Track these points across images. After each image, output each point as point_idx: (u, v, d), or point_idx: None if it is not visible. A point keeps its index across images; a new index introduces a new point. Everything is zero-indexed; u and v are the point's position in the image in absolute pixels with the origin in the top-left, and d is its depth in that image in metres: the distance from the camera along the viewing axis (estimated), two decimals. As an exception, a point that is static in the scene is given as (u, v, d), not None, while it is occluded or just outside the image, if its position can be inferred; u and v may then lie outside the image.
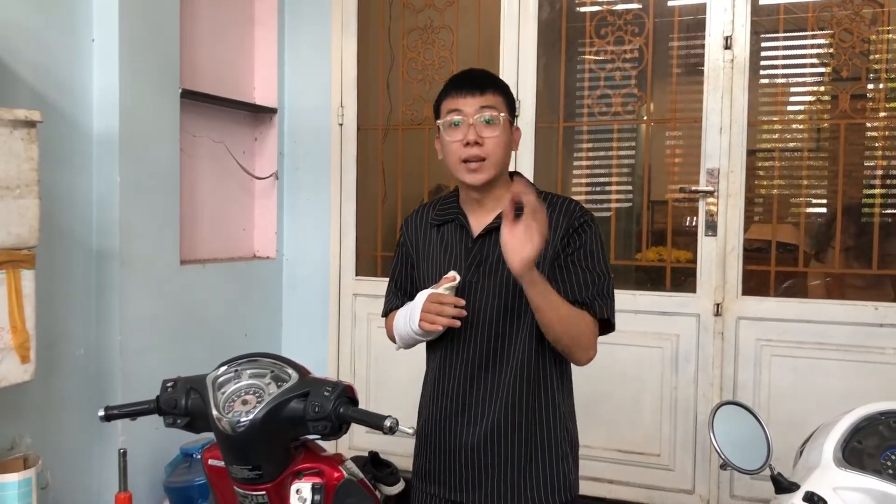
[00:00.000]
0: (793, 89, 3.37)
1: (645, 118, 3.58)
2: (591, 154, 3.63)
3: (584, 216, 1.83)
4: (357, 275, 3.84)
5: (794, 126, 3.45)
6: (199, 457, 3.03)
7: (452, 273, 1.82)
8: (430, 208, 1.99)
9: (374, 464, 3.58)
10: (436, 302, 1.78)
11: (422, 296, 1.82)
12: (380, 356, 3.77)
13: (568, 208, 1.85)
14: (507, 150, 1.83)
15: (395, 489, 3.54)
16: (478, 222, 1.86)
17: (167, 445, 3.03)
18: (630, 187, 3.84)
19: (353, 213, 3.83)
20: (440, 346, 1.90)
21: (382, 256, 3.95)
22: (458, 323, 1.76)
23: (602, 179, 3.68)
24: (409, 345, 1.95)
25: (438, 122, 1.84)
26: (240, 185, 3.75)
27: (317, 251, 3.88)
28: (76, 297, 2.76)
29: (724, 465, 1.75)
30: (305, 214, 3.89)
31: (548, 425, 1.84)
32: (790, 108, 3.42)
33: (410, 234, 1.99)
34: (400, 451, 3.61)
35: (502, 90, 1.84)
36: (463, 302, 1.78)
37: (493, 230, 1.80)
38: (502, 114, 1.80)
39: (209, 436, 1.93)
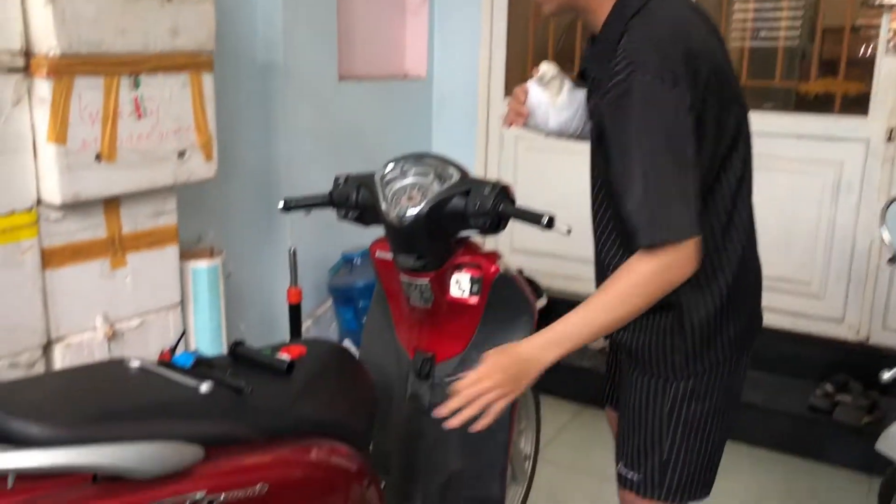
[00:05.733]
0: None
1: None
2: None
3: (623, 84, 1.32)
4: (506, 95, 3.82)
5: None
6: (358, 262, 3.26)
7: (542, 64, 1.73)
8: None
9: (519, 279, 3.71)
10: (512, 96, 1.73)
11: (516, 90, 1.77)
12: (527, 179, 3.81)
13: (614, 68, 1.35)
14: None
15: (539, 304, 3.70)
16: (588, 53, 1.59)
17: (329, 251, 3.26)
18: (799, 13, 3.54)
19: (504, 30, 3.77)
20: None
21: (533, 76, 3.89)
22: (518, 121, 1.71)
23: (768, 4, 3.41)
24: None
25: None
26: (392, 2, 3.75)
27: (466, 70, 3.88)
28: (244, 108, 2.92)
29: (894, 259, 1.73)
30: (455, 32, 3.86)
31: (671, 315, 1.54)
32: None
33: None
34: (544, 269, 3.74)
35: None
36: (522, 98, 1.71)
37: (585, 70, 1.62)
38: None
39: (366, 243, 2.07)
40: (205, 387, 1.23)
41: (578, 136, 1.84)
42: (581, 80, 1.76)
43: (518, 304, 1.93)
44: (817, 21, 3.28)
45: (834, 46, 3.26)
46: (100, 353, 2.08)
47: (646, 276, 1.35)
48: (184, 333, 1.50)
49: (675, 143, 1.31)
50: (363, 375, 1.65)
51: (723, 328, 1.55)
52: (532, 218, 1.70)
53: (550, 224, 1.66)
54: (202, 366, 1.33)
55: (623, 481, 1.71)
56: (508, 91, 3.82)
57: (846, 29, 3.16)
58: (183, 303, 2.35)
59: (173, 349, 1.40)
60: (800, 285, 3.25)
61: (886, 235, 1.70)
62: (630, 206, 1.32)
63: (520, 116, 1.73)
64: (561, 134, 1.82)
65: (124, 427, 1.09)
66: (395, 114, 3.71)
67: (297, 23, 2.99)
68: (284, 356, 1.46)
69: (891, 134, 2.98)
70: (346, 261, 3.26)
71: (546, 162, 3.69)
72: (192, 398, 1.22)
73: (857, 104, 3.10)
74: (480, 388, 1.37)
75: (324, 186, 1.97)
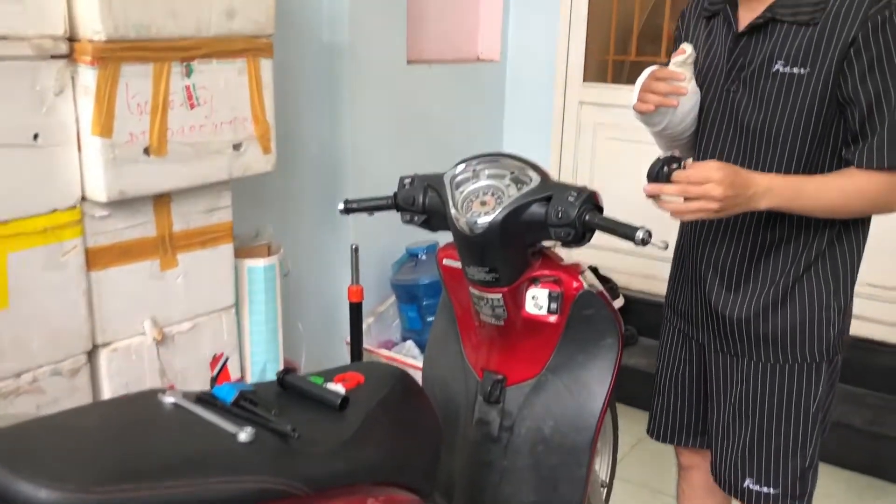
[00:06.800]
0: None
1: None
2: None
3: (886, 9, 1.33)
4: (585, 80, 3.58)
5: None
6: (424, 257, 3.08)
7: (684, 45, 1.53)
8: None
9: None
10: (652, 78, 1.51)
11: (646, 72, 1.56)
12: (604, 168, 3.58)
13: None
14: None
15: (615, 305, 3.47)
16: (747, 14, 1.49)
17: (394, 245, 3.09)
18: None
19: (585, 10, 3.51)
20: (698, 155, 1.64)
21: (614, 61, 3.64)
22: (674, 102, 1.48)
23: None
24: (663, 141, 1.70)
25: None
26: (465, -20, 3.53)
27: (543, 54, 3.63)
28: (307, 93, 2.76)
29: None
30: (532, 12, 3.62)
31: (828, 270, 1.52)
32: None
33: (684, 27, 1.68)
34: (621, 267, 3.50)
35: None
36: (682, 76, 1.49)
37: (762, 27, 1.44)
38: None
39: (436, 237, 1.89)
40: (244, 435, 1.06)
41: (677, 140, 1.65)
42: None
43: (603, 324, 1.72)
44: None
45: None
46: (148, 359, 1.96)
47: (885, 187, 1.38)
48: (226, 361, 1.35)
49: None
50: (427, 408, 1.46)
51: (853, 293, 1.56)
52: (624, 232, 1.48)
53: (646, 240, 1.45)
54: (245, 400, 1.17)
55: (752, 499, 1.57)
56: (588, 75, 3.57)
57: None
58: (238, 303, 2.21)
59: (214, 379, 1.24)
60: (902, 294, 2.95)
61: None
62: (887, 123, 1.34)
63: (676, 96, 1.50)
64: (677, 125, 1.59)
65: (148, 491, 0.92)
66: (466, 99, 3.50)
67: (364, 2, 2.80)
68: (338, 387, 1.29)
69: None
70: (411, 256, 3.09)
71: (627, 151, 3.44)
72: (230, 448, 1.05)
73: None
74: (704, 191, 1.30)
75: (391, 176, 1.80)
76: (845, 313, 1.55)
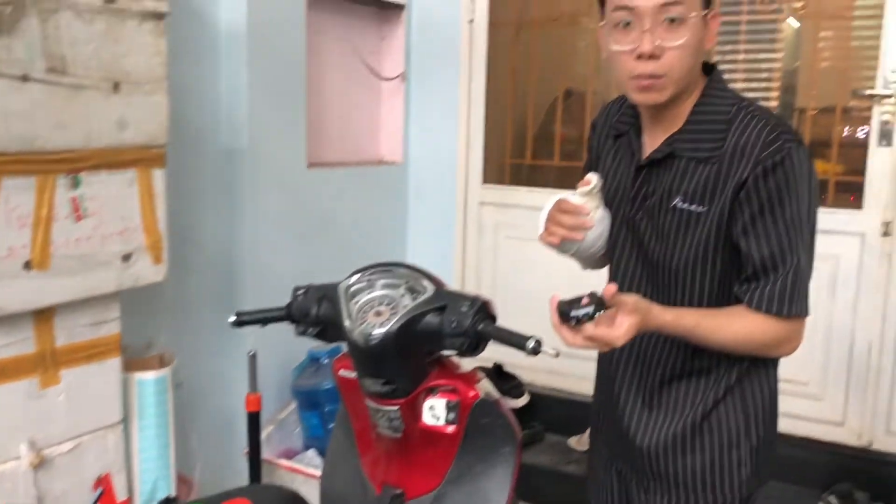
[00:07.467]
0: None
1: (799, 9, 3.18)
2: (734, 57, 3.27)
3: (778, 153, 1.32)
4: (484, 182, 3.68)
5: None
6: (326, 361, 3.03)
7: (590, 175, 1.53)
8: (615, 108, 1.62)
9: (499, 375, 3.51)
10: (557, 209, 1.52)
11: (551, 201, 1.58)
12: (506, 267, 3.64)
13: (758, 140, 1.34)
14: (697, 56, 1.38)
15: (520, 402, 3.47)
16: (650, 141, 1.50)
17: (295, 349, 3.03)
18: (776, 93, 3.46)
19: (482, 118, 3.64)
20: (611, 277, 1.63)
21: (511, 164, 3.77)
22: (578, 236, 1.49)
23: (740, 85, 3.31)
24: (578, 262, 1.71)
25: (603, 20, 1.43)
26: (366, 87, 3.62)
27: (443, 156, 3.73)
28: (206, 196, 2.74)
29: None
30: (432, 118, 3.73)
31: (738, 408, 1.50)
32: None
33: (595, 138, 1.67)
34: (526, 363, 3.52)
35: None
36: (587, 210, 1.49)
37: (663, 160, 1.45)
38: (692, 12, 1.32)
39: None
40: (114, 580, 0.99)
41: (590, 260, 1.68)
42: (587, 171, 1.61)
43: (500, 432, 1.70)
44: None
45: (823, 130, 3.16)
46: (24, 485, 1.83)
47: (772, 334, 1.37)
48: (100, 495, 1.28)
49: (815, 218, 1.40)
50: (319, 532, 1.41)
51: (775, 430, 1.58)
52: (516, 341, 1.50)
53: (536, 350, 1.46)
54: (120, 537, 1.10)
55: None
56: (487, 177, 3.68)
57: (836, 111, 3.06)
58: (126, 419, 2.11)
59: (88, 514, 1.17)
60: (797, 386, 3.06)
61: None
62: (781, 271, 1.35)
63: (581, 230, 1.50)
64: (586, 251, 1.59)
65: None
66: (369, 201, 3.54)
67: (263, 107, 2.83)
68: (224, 516, 1.23)
69: (887, 228, 2.85)
70: (313, 360, 3.03)
71: (526, 249, 3.52)
72: None
73: (856, 188, 2.97)
74: (601, 347, 1.32)
75: (292, 282, 1.77)
76: (759, 452, 1.52)
